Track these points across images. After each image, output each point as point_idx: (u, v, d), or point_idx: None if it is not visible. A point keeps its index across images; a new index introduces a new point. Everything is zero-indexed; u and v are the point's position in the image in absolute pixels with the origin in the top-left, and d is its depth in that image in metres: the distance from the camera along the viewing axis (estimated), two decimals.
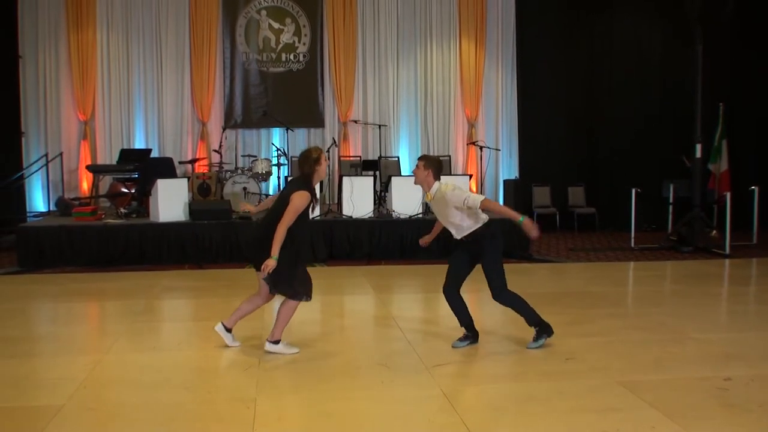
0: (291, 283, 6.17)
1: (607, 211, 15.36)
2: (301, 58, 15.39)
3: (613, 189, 15.39)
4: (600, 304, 8.47)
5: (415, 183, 6.40)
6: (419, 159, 6.46)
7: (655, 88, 15.91)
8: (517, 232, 11.89)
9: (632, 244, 12.93)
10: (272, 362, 6.10)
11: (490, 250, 6.33)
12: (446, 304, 6.61)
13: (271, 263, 5.84)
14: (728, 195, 12.77)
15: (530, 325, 6.56)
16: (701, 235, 12.82)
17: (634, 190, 13.00)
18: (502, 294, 6.41)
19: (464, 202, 6.12)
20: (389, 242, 11.77)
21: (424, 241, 6.84)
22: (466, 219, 6.26)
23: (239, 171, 13.43)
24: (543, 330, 6.53)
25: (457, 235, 6.34)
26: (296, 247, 6.14)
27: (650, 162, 15.48)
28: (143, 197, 12.35)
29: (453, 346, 6.57)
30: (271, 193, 14.23)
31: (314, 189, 6.17)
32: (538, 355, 6.31)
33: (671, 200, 13.92)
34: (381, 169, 14.10)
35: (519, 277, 10.26)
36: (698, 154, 13.01)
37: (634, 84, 15.85)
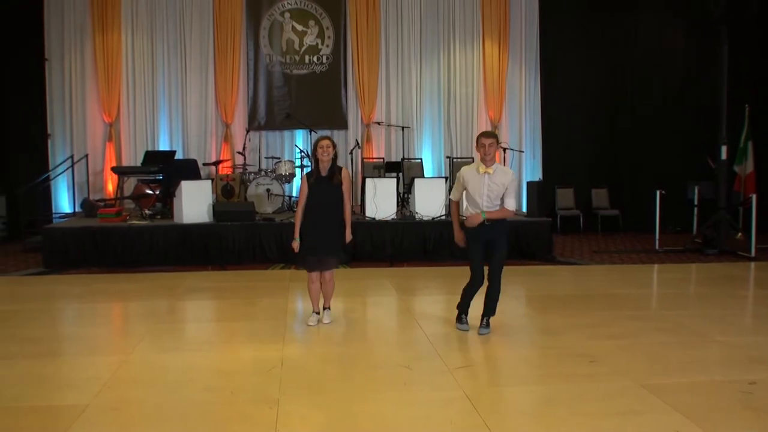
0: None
1: (631, 213, 15.30)
2: (325, 60, 15.43)
3: (638, 191, 15.30)
4: (624, 306, 8.42)
5: (488, 157, 6.77)
6: (491, 135, 6.90)
7: (679, 89, 15.78)
8: (540, 235, 11.93)
9: (656, 247, 12.85)
10: (295, 363, 6.12)
11: (506, 239, 6.98)
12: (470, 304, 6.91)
13: (292, 244, 7.15)
14: (754, 197, 12.64)
15: (491, 315, 7.12)
16: (727, 238, 12.71)
17: (658, 192, 12.91)
18: (500, 281, 6.92)
19: (513, 195, 6.86)
20: (412, 244, 11.76)
21: (461, 237, 7.15)
22: (497, 204, 6.85)
23: (263, 173, 13.49)
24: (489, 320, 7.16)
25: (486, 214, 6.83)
26: (313, 223, 7.10)
27: (675, 163, 15.38)
28: (167, 199, 12.44)
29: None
30: (294, 194, 14.28)
31: (318, 173, 7.11)
32: (561, 357, 6.28)
33: (696, 202, 13.82)
34: (404, 171, 14.09)
35: (542, 279, 10.24)
36: (724, 156, 12.89)
37: (659, 85, 15.75)
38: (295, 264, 7.32)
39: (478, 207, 6.80)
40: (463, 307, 7.24)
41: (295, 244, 7.12)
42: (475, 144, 7.08)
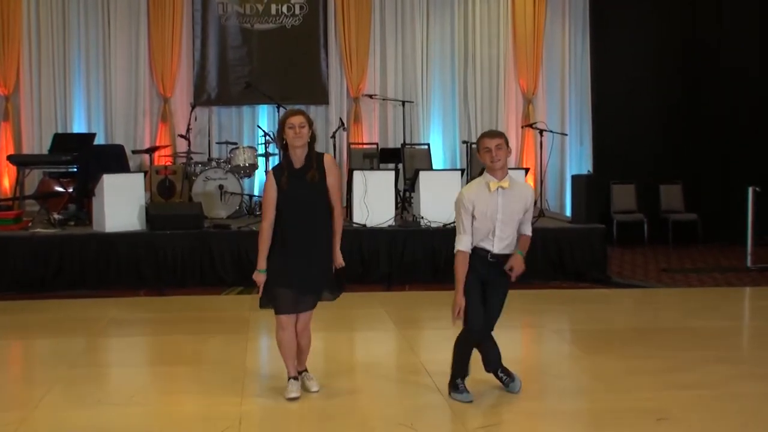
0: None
1: (714, 219, 15.27)
2: (297, 11, 15.42)
3: (723, 189, 15.30)
4: (704, 344, 8.41)
5: (498, 165, 6.37)
6: (497, 135, 6.49)
7: None
8: (590, 247, 11.91)
9: (748, 263, 12.86)
10: (258, 423, 6.10)
11: (508, 278, 6.51)
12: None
13: (255, 277, 6.42)
14: None
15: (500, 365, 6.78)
16: None
17: (751, 190, 12.89)
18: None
19: (530, 212, 6.57)
20: (416, 260, 11.75)
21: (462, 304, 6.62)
22: (510, 234, 6.45)
23: (214, 163, 13.48)
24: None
25: (497, 247, 6.41)
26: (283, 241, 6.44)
27: None
28: (84, 199, 12.41)
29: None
30: (255, 192, 14.21)
31: (290, 165, 6.45)
32: (619, 413, 6.26)
33: None
34: (405, 161, 14.08)
35: (593, 307, 10.23)
36: None
37: (751, 48, 15.71)
38: (258, 297, 6.58)
39: (487, 236, 6.42)
40: (460, 369, 6.70)
41: (260, 278, 6.42)
42: (477, 148, 6.79)
